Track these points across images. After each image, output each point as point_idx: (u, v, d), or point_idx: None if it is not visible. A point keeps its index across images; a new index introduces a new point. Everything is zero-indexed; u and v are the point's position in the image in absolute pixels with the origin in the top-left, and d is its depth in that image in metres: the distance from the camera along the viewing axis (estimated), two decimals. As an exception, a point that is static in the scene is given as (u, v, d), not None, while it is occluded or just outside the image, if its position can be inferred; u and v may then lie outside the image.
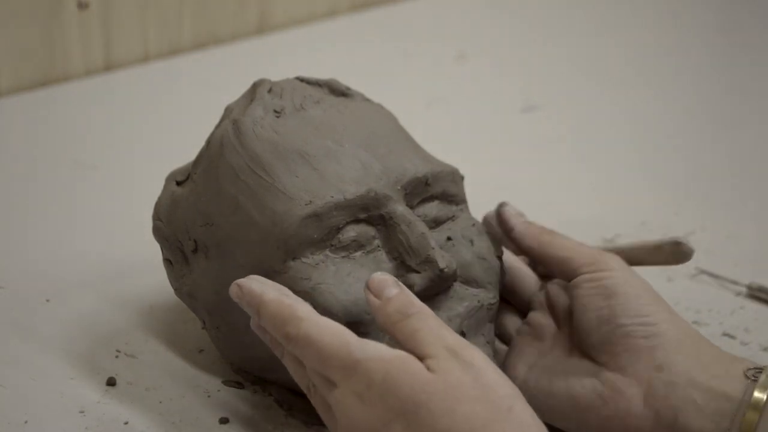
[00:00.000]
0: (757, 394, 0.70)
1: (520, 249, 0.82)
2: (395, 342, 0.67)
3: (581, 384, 0.75)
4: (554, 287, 0.80)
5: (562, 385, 0.75)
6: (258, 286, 0.71)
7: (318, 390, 0.69)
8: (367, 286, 0.69)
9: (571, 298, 0.78)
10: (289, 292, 0.71)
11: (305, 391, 0.70)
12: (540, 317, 0.80)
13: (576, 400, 0.75)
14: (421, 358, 0.65)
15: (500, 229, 0.82)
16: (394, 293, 0.68)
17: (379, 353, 0.65)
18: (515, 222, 0.82)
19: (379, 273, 0.70)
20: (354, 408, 0.65)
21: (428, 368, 0.64)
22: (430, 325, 0.66)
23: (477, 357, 0.65)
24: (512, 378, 0.74)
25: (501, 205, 0.83)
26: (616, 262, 0.77)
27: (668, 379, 0.72)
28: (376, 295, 0.69)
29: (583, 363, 0.76)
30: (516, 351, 0.80)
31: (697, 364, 0.72)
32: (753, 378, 0.71)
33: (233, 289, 0.72)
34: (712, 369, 0.72)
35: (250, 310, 0.71)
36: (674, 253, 0.78)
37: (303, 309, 0.69)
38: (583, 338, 0.76)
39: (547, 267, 0.81)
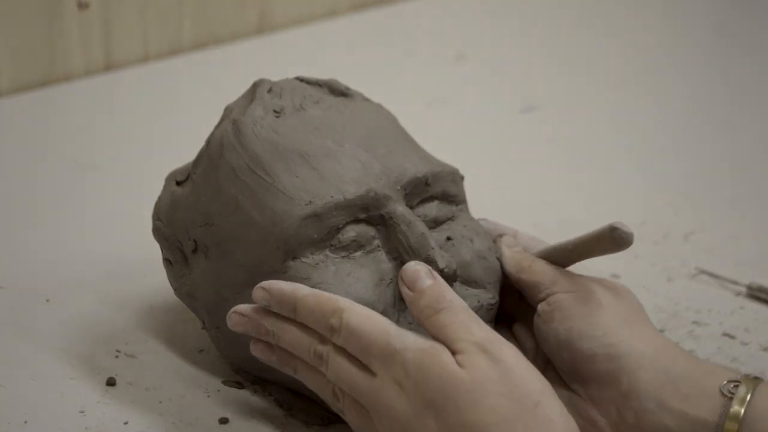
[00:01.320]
0: (735, 407, 0.69)
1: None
2: (429, 333, 0.69)
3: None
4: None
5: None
6: (286, 284, 0.72)
7: (346, 393, 0.69)
8: (401, 278, 0.71)
9: (535, 327, 0.76)
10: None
11: (330, 399, 0.71)
12: (522, 332, 0.80)
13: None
14: (453, 353, 0.66)
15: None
16: (428, 285, 0.70)
17: (415, 343, 0.67)
18: (503, 250, 0.80)
19: (412, 263, 0.72)
20: (393, 396, 0.66)
21: (458, 363, 0.65)
22: (460, 320, 0.67)
23: (506, 352, 0.66)
24: None
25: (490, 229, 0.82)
26: (579, 284, 0.75)
27: (638, 406, 0.71)
28: (410, 288, 0.70)
29: (558, 389, 0.73)
30: None
31: (666, 385, 0.71)
32: (729, 395, 0.69)
33: (258, 294, 0.73)
34: (684, 388, 0.70)
35: (283, 309, 0.72)
36: (613, 239, 0.75)
37: (342, 299, 0.70)
38: (553, 365, 0.76)
39: (523, 294, 0.79)
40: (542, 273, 0.77)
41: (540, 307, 0.76)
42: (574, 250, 0.77)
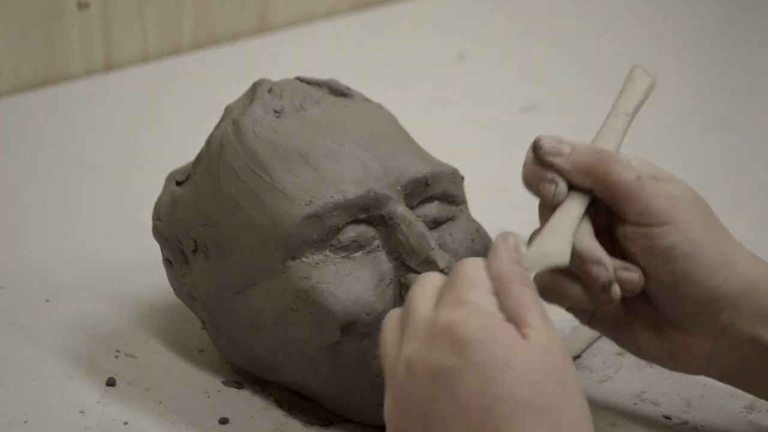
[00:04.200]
0: None
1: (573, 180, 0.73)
2: (504, 303, 0.63)
3: (647, 338, 0.75)
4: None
5: (626, 335, 0.75)
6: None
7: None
8: (497, 247, 0.65)
9: (624, 248, 0.73)
10: None
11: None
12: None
13: (642, 352, 0.75)
14: (520, 326, 0.61)
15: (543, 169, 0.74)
16: (518, 269, 0.65)
17: (488, 306, 0.62)
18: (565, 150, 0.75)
19: (510, 234, 0.66)
20: (431, 334, 0.61)
21: (524, 336, 0.61)
22: (539, 308, 0.63)
23: (568, 359, 0.63)
24: None
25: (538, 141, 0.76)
26: (675, 209, 0.72)
27: (734, 338, 0.72)
28: (502, 262, 0.65)
29: (649, 312, 0.74)
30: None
31: (762, 321, 0.72)
32: None
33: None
34: None
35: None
36: (645, 72, 0.77)
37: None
38: (647, 293, 0.74)
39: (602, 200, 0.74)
40: (625, 187, 0.72)
41: (637, 237, 0.72)
42: (628, 102, 0.77)
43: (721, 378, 0.75)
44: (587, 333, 0.86)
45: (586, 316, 0.77)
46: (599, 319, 0.77)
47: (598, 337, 0.87)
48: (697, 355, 0.74)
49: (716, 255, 0.72)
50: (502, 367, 0.60)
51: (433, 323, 0.62)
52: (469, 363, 0.60)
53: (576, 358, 0.85)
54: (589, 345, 0.86)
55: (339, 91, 0.84)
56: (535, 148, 0.74)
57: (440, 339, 0.61)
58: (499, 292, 0.64)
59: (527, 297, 0.63)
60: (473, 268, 0.64)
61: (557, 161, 0.74)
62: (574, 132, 1.28)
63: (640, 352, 0.76)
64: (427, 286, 0.65)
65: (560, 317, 0.90)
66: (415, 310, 0.64)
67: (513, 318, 0.62)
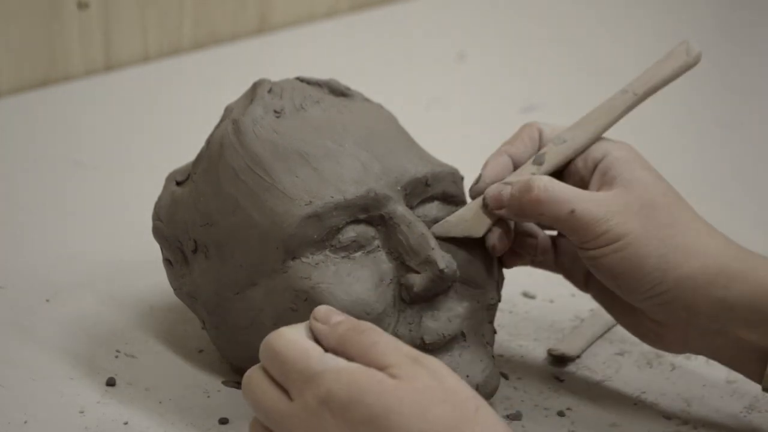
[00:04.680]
0: None
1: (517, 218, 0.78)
2: (351, 359, 0.65)
3: (629, 318, 0.78)
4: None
5: (614, 309, 0.79)
6: None
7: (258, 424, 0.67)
8: (314, 316, 0.68)
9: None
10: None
11: None
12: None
13: (629, 327, 0.79)
14: (381, 369, 0.64)
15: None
16: (342, 318, 0.67)
17: (339, 364, 0.64)
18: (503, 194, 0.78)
19: (323, 306, 0.69)
20: (313, 422, 0.63)
21: (393, 377, 0.63)
22: (387, 338, 0.66)
23: (437, 363, 0.65)
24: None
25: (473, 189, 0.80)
26: (612, 230, 0.74)
27: (700, 330, 0.75)
28: (324, 323, 0.67)
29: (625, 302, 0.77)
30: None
31: (722, 313, 0.73)
32: None
33: None
34: (741, 313, 0.73)
35: None
36: (687, 51, 0.77)
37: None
38: None
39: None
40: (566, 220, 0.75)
41: (587, 259, 0.75)
42: (644, 80, 0.78)
43: (704, 356, 0.78)
44: (587, 333, 0.86)
45: (581, 285, 0.81)
46: (592, 291, 0.81)
47: (598, 337, 0.87)
48: (672, 340, 0.77)
49: (657, 261, 0.73)
50: (385, 414, 0.62)
51: (304, 410, 0.64)
52: (357, 424, 0.62)
53: (576, 358, 0.85)
54: (589, 345, 0.86)
55: (339, 91, 0.84)
56: (483, 202, 0.78)
57: (320, 419, 0.63)
58: (338, 351, 0.66)
59: (367, 340, 0.65)
60: (291, 342, 0.66)
61: (501, 213, 0.77)
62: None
63: (628, 328, 0.80)
64: (259, 384, 0.66)
65: (560, 317, 0.90)
66: (272, 411, 0.65)
67: (371, 365, 0.64)
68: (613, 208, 0.74)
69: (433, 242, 0.76)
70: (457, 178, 0.81)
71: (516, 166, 0.79)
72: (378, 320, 0.75)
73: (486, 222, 0.78)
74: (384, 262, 0.76)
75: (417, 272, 0.75)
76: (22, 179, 1.11)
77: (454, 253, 0.78)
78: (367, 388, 0.62)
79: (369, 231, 0.77)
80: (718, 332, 0.75)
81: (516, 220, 0.79)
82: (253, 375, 0.67)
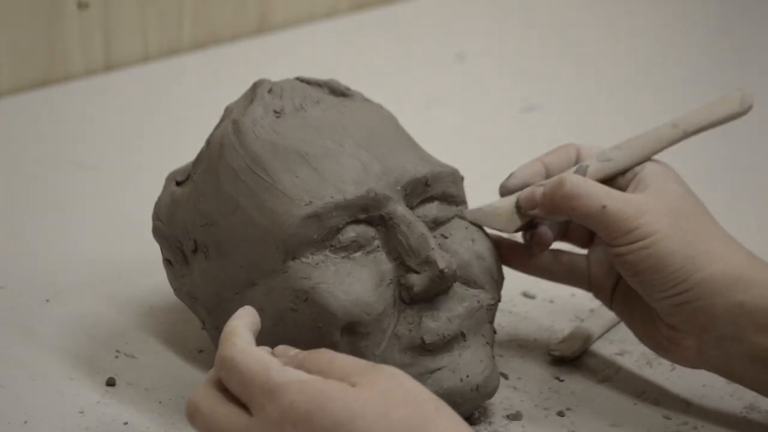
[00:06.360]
0: None
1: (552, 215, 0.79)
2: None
3: (645, 327, 0.78)
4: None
5: (632, 320, 0.80)
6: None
7: None
8: (273, 353, 0.69)
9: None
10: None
11: None
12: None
13: (643, 338, 0.79)
14: (340, 380, 0.65)
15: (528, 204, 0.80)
16: (299, 351, 0.69)
17: (300, 376, 0.64)
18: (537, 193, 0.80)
19: (281, 345, 0.70)
20: None
21: (352, 384, 0.64)
22: (342, 355, 0.67)
23: (394, 369, 0.66)
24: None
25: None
26: (642, 228, 0.75)
27: (716, 336, 0.75)
28: (282, 356, 0.69)
29: (645, 307, 0.78)
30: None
31: (742, 317, 0.74)
32: None
33: None
34: (760, 319, 0.73)
35: None
36: (742, 99, 0.79)
37: (240, 334, 0.68)
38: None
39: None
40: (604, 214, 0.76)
41: (615, 257, 0.76)
42: (694, 120, 0.80)
43: (716, 371, 0.78)
44: (587, 333, 0.86)
45: (607, 299, 0.82)
46: (616, 305, 0.82)
47: (598, 337, 0.87)
48: (686, 348, 0.77)
49: (682, 262, 0.74)
50: (350, 420, 0.62)
51: (265, 424, 0.64)
52: None
53: (576, 358, 0.85)
54: (589, 345, 0.86)
55: (339, 91, 0.84)
56: (517, 204, 0.80)
57: (285, 429, 0.63)
58: (300, 367, 0.66)
59: (324, 357, 0.67)
60: (250, 354, 0.66)
61: (534, 213, 0.79)
62: (574, 131, 1.28)
63: (644, 340, 0.80)
64: (211, 406, 0.66)
65: (560, 317, 0.90)
66: (231, 428, 0.65)
67: (331, 378, 0.65)
68: (643, 207, 0.75)
69: (432, 242, 0.76)
70: (457, 178, 0.81)
71: (549, 176, 0.81)
72: (378, 320, 0.75)
73: (517, 222, 0.80)
74: (384, 262, 0.76)
75: (417, 272, 0.75)
76: (22, 179, 1.11)
77: (454, 254, 0.78)
78: (330, 396, 0.63)
79: (369, 231, 0.77)
80: (734, 339, 0.75)
81: (548, 218, 0.80)
82: (201, 397, 0.67)
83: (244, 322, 0.69)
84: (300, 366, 0.67)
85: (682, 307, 0.75)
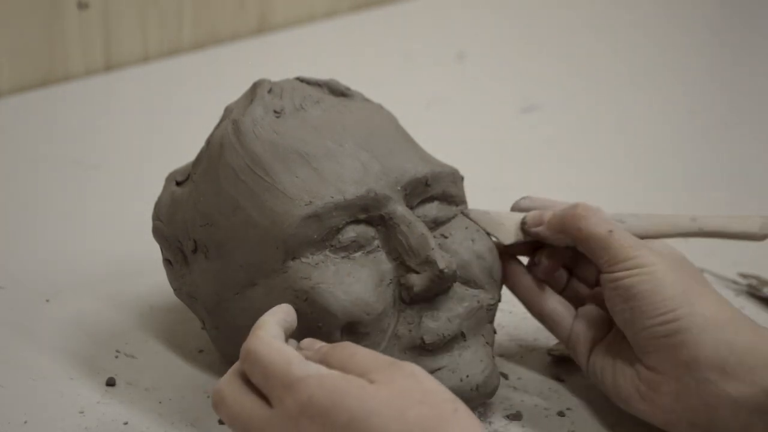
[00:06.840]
0: None
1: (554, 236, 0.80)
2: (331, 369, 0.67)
3: (624, 375, 0.76)
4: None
5: (609, 372, 0.77)
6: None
7: None
8: (299, 347, 0.70)
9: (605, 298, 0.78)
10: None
11: None
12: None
13: (618, 390, 0.77)
14: (360, 376, 0.65)
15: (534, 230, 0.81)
16: (324, 344, 0.70)
17: (320, 371, 0.65)
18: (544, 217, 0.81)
19: (308, 338, 0.72)
20: (287, 429, 0.64)
21: (370, 381, 0.65)
22: (365, 349, 0.68)
23: (414, 367, 0.66)
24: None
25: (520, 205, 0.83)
26: (643, 257, 0.76)
27: (699, 376, 0.73)
28: (308, 349, 0.70)
29: (630, 351, 0.76)
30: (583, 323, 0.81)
31: (730, 357, 0.72)
32: None
33: None
34: (750, 360, 0.72)
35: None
36: (760, 226, 0.80)
37: (267, 328, 0.69)
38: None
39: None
40: (605, 241, 0.77)
41: (606, 283, 0.76)
42: (711, 223, 0.81)
43: (692, 428, 0.74)
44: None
45: (585, 355, 0.80)
46: (595, 357, 0.79)
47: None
48: (664, 394, 0.74)
49: (675, 292, 0.74)
50: (365, 417, 0.63)
51: (283, 417, 0.64)
52: (336, 429, 0.63)
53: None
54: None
55: (339, 91, 0.84)
56: (522, 220, 0.81)
57: (298, 426, 0.64)
58: (322, 360, 0.67)
59: (346, 351, 0.67)
60: (274, 347, 0.67)
61: (537, 230, 0.80)
62: (573, 132, 1.28)
63: (619, 393, 0.77)
64: (234, 395, 0.67)
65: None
66: (251, 419, 0.66)
67: (350, 374, 0.65)
68: (647, 245, 0.77)
69: (432, 242, 0.76)
70: (457, 178, 0.81)
71: None
72: (378, 320, 0.75)
73: (517, 235, 0.81)
74: (384, 262, 0.76)
75: (417, 272, 0.75)
76: (22, 179, 1.11)
77: (454, 254, 0.78)
78: (348, 392, 0.64)
79: (369, 231, 0.77)
80: (717, 383, 0.72)
81: (549, 239, 0.80)
82: (225, 387, 0.68)
83: (275, 318, 0.70)
84: (323, 359, 0.67)
85: (667, 339, 0.73)
